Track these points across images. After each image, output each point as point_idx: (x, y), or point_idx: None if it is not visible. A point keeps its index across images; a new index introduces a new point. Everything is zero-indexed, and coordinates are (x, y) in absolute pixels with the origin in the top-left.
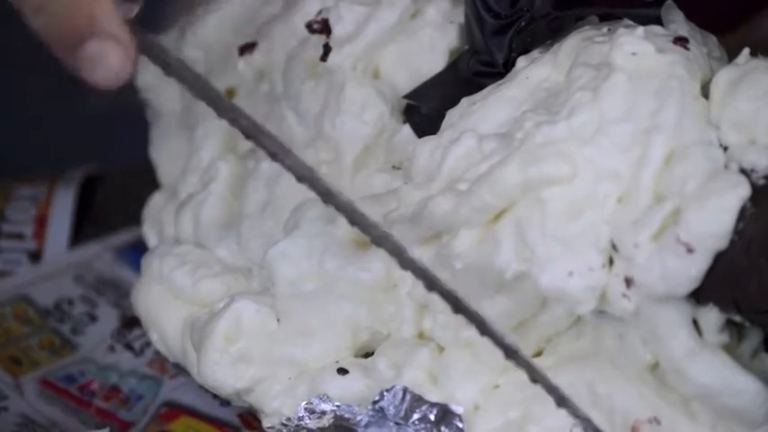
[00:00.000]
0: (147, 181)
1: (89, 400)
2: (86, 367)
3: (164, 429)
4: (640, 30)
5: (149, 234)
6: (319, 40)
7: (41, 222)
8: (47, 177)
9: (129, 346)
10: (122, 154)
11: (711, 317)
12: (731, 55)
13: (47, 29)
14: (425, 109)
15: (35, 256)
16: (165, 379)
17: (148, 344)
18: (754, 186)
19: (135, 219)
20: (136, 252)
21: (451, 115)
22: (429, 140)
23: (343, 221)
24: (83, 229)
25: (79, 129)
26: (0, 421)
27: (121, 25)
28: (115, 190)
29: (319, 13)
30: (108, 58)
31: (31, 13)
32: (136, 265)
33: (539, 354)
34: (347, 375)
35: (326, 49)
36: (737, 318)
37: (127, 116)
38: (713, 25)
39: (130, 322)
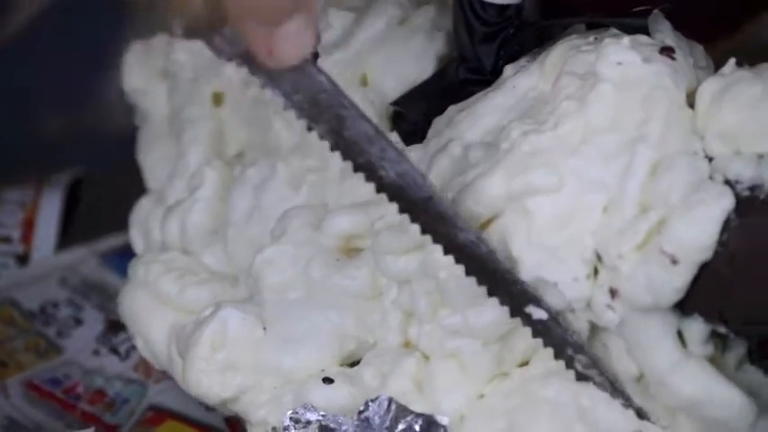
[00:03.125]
0: (134, 182)
1: (74, 403)
2: (71, 370)
3: None
4: (626, 39)
5: (136, 239)
6: None
7: (29, 226)
8: (34, 180)
9: (114, 350)
10: (110, 155)
11: (696, 328)
12: (724, 61)
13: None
14: (413, 116)
15: (22, 260)
16: (151, 383)
17: (134, 348)
18: (738, 197)
19: (121, 221)
20: (122, 257)
21: (438, 123)
22: (415, 149)
23: (328, 228)
24: (69, 231)
25: (66, 130)
26: None
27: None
28: (102, 191)
29: None
30: (307, 35)
31: None
32: (121, 270)
33: (525, 363)
34: (332, 385)
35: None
36: (722, 329)
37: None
38: (709, 30)
39: (116, 326)
